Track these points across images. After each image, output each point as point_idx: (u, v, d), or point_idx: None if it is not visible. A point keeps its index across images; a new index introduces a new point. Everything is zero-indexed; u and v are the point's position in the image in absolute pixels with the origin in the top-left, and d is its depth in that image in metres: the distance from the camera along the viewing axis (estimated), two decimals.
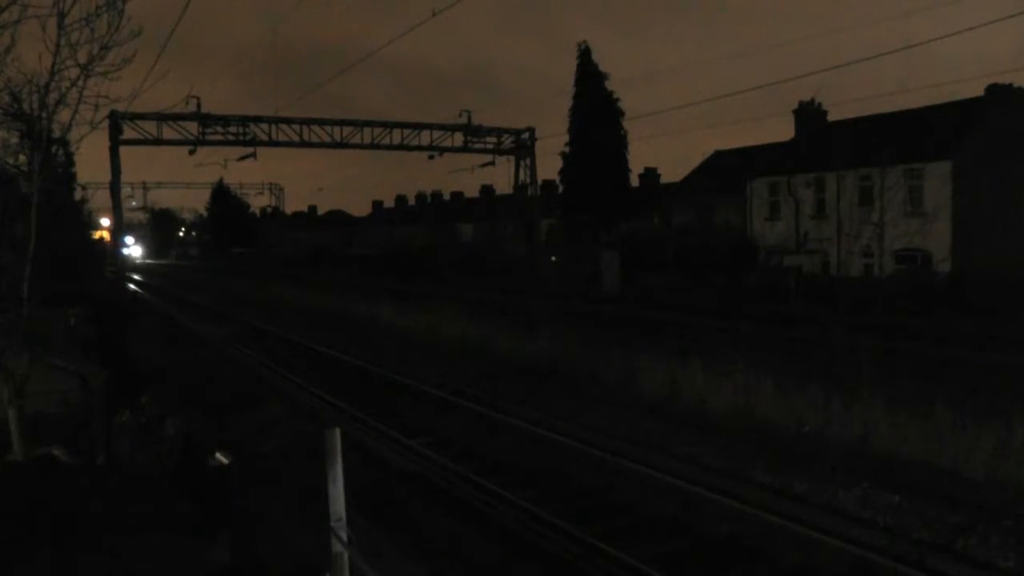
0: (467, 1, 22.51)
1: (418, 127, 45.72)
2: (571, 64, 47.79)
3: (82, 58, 9.51)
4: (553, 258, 51.19)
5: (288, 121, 43.50)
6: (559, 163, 50.05)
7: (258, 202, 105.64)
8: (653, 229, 45.95)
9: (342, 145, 45.12)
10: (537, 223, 51.32)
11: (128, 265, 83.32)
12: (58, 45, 9.35)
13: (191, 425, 12.98)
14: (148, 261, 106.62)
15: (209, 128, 42.03)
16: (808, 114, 43.61)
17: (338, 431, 5.09)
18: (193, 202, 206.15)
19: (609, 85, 47.95)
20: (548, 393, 16.19)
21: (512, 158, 49.21)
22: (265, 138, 43.42)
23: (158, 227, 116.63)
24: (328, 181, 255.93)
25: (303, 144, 44.61)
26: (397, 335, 25.80)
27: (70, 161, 21.16)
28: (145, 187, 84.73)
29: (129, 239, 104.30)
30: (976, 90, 37.56)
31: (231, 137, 42.77)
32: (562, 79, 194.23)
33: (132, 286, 54.76)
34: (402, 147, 46.31)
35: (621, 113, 48.16)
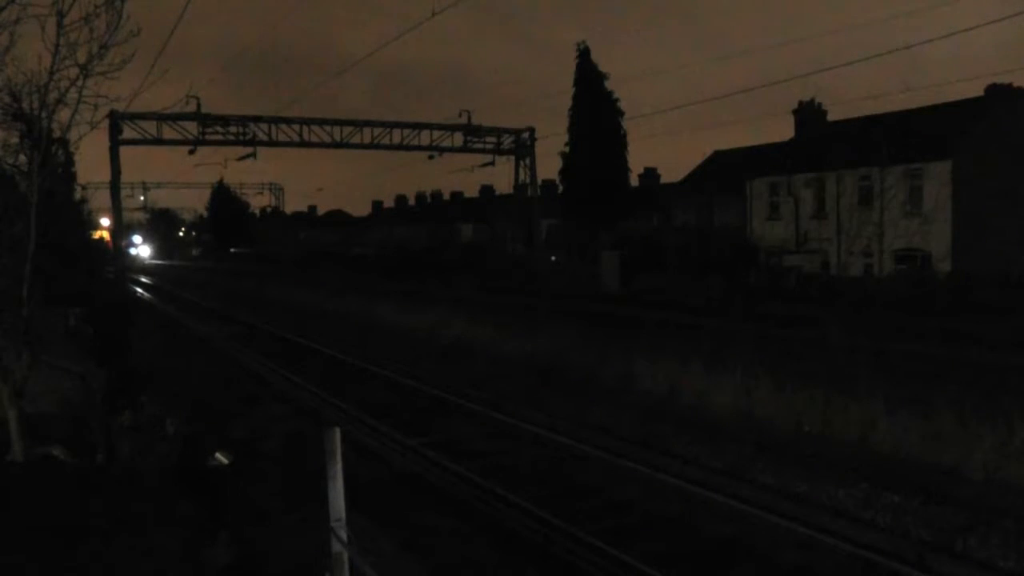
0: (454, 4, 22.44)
1: (418, 127, 45.63)
2: (562, 67, 47.92)
3: (81, 58, 9.52)
4: (553, 258, 51.15)
5: (288, 121, 43.44)
6: (559, 163, 50.02)
7: (258, 202, 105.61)
8: (653, 229, 45.93)
9: (342, 145, 45.04)
10: (537, 223, 51.27)
11: (136, 265, 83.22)
12: (57, 45, 9.36)
13: (191, 425, 12.97)
14: (156, 261, 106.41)
15: (209, 128, 41.95)
16: (808, 114, 43.62)
17: (338, 431, 5.09)
18: (193, 202, 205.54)
19: (609, 85, 47.95)
20: (548, 393, 16.17)
21: (512, 158, 49.14)
22: (265, 138, 43.35)
23: (159, 227, 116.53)
24: (328, 181, 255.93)
25: (303, 144, 44.56)
26: (397, 335, 25.79)
27: (70, 161, 21.11)
28: (145, 187, 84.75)
29: (137, 238, 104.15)
30: (976, 90, 37.50)
31: (231, 137, 42.69)
32: (555, 83, 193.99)
33: (133, 286, 54.73)
34: (402, 147, 46.25)
35: (621, 113, 48.12)
